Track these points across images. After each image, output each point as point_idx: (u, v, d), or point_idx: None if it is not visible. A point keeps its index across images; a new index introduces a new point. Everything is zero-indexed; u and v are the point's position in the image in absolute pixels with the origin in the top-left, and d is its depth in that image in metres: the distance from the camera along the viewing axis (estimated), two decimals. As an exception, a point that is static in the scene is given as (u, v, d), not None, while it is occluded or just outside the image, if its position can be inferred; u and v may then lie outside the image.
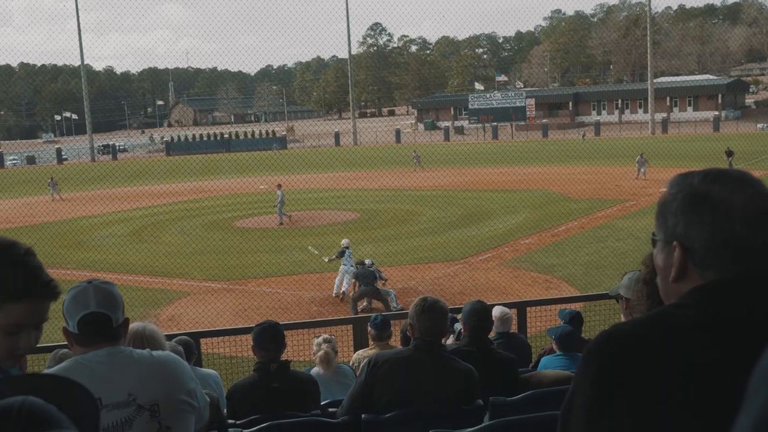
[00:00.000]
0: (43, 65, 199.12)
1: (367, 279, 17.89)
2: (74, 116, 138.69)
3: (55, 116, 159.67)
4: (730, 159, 42.82)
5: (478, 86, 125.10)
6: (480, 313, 5.42)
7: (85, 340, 2.88)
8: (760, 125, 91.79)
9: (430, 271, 21.91)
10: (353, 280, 18.58)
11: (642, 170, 41.25)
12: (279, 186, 32.74)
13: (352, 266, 19.02)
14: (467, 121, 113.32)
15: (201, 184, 48.49)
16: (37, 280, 2.18)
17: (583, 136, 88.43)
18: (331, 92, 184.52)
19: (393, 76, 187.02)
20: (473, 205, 36.04)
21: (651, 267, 1.95)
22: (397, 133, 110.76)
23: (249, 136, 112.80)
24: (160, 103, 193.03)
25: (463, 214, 32.94)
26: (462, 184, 44.57)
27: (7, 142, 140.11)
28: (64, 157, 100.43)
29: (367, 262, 18.40)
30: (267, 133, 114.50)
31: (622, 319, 4.56)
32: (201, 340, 8.63)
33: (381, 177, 49.63)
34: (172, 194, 47.47)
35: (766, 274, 1.59)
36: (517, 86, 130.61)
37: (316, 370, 6.48)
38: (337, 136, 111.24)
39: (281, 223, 31.74)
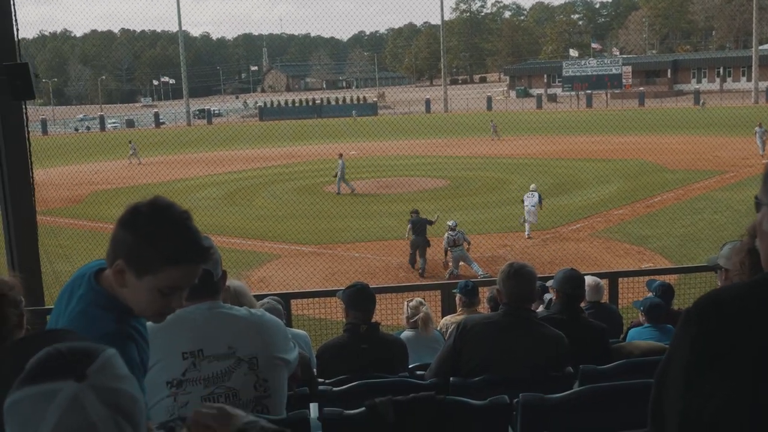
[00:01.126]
0: (143, 31, 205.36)
1: (417, 227, 18.58)
2: (171, 81, 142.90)
3: (153, 81, 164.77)
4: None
5: (573, 53, 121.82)
6: (574, 281, 5.36)
7: (188, 295, 3.01)
8: None
9: (520, 240, 21.72)
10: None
11: (763, 142, 36.74)
12: (340, 155, 32.69)
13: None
14: (560, 89, 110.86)
15: (293, 149, 49.30)
16: (196, 245, 2.18)
17: (702, 104, 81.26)
18: (422, 59, 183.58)
19: (485, 43, 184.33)
20: (565, 174, 35.38)
21: (755, 236, 1.87)
22: (489, 100, 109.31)
23: (340, 102, 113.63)
24: (254, 68, 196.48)
25: (554, 183, 32.39)
26: (554, 152, 43.75)
27: (108, 105, 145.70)
28: (161, 120, 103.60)
29: (450, 223, 18.58)
30: (358, 99, 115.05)
31: (722, 289, 4.42)
32: (291, 301, 8.84)
33: (471, 144, 49.22)
34: (265, 159, 48.44)
35: None
36: (614, 53, 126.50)
37: (406, 334, 6.55)
38: (427, 102, 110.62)
39: (339, 193, 31.42)
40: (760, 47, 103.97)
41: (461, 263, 18.40)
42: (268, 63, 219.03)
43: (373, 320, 5.33)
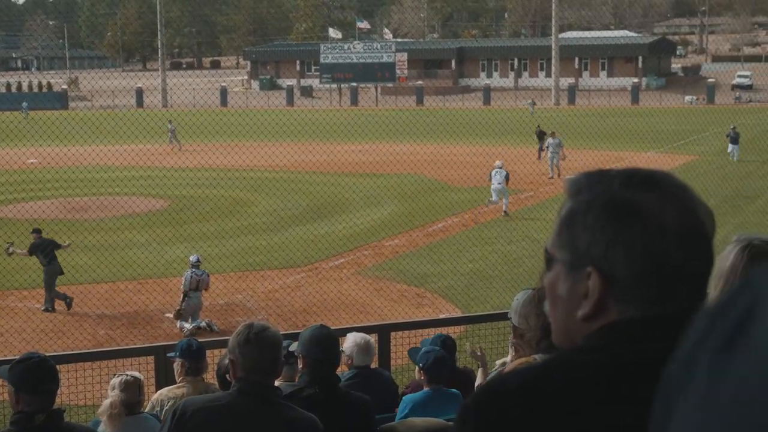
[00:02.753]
0: None
1: (47, 251, 19.70)
2: None
3: None
4: (542, 143, 42.83)
5: (334, 34, 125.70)
6: (324, 342, 5.44)
7: None
8: (688, 98, 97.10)
9: (264, 282, 21.87)
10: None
11: (554, 160, 39.31)
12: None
13: None
14: (317, 80, 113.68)
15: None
16: None
17: (533, 105, 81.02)
18: (131, 33, 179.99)
19: (219, 15, 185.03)
20: (324, 193, 36.21)
21: (544, 297, 1.95)
22: (223, 92, 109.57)
23: (14, 89, 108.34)
24: None
25: (309, 206, 33.05)
26: (309, 164, 44.68)
27: None
28: None
29: (193, 258, 18.78)
30: (40, 85, 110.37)
31: (509, 353, 4.71)
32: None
33: (200, 152, 48.98)
34: None
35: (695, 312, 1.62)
36: (385, 36, 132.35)
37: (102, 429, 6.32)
38: (139, 93, 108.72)
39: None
40: (561, 35, 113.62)
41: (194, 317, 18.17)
42: None
43: (57, 404, 5.15)
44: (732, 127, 44.79)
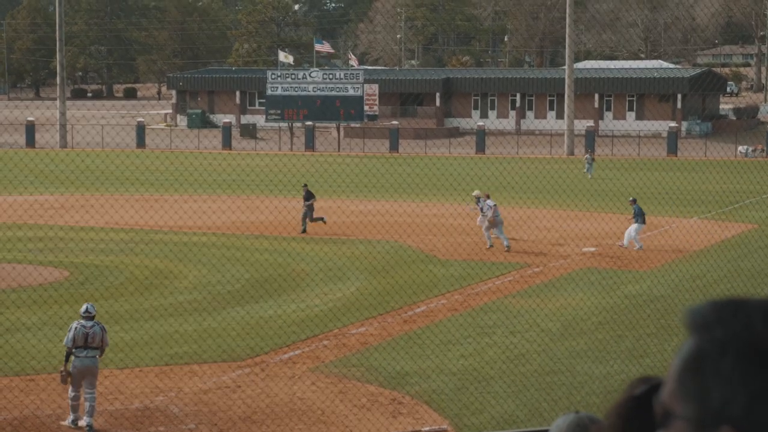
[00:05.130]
0: None
1: None
2: None
3: None
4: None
5: (284, 58, 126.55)
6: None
7: None
8: (741, 148, 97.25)
9: (194, 380, 21.67)
10: None
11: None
12: None
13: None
14: (263, 117, 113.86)
15: None
16: None
17: (590, 161, 75.25)
18: (21, 50, 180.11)
19: (135, 31, 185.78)
20: (270, 262, 36.12)
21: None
22: (141, 129, 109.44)
23: None
24: None
25: (252, 279, 32.92)
26: (252, 225, 44.55)
27: None
28: None
29: (84, 308, 19.08)
30: None
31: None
32: None
33: (112, 207, 48.81)
34: None
35: None
36: (351, 62, 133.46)
37: None
38: (30, 129, 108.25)
39: None
40: (577, 66, 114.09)
41: None
42: None
43: None
44: None
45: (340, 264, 35.76)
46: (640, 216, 39.06)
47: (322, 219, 43.71)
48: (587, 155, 76.17)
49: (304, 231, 43.14)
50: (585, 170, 71.85)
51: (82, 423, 18.39)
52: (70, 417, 18.41)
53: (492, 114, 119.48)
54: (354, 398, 20.42)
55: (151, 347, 24.12)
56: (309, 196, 43.47)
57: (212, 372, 22.37)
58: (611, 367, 22.31)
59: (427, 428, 18.25)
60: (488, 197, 40.71)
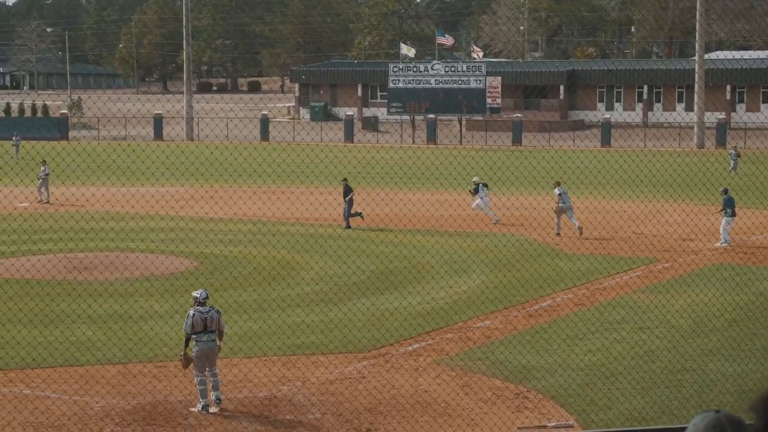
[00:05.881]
0: None
1: None
2: None
3: None
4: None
5: (407, 51, 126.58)
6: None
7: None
8: None
9: (318, 370, 21.80)
10: None
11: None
12: (44, 161, 49.24)
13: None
14: (384, 109, 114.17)
15: None
16: None
17: (737, 157, 71.11)
18: (149, 45, 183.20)
19: (260, 24, 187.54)
20: (394, 255, 36.17)
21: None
22: (264, 122, 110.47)
23: (0, 113, 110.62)
24: None
25: (376, 271, 33.01)
26: (376, 218, 44.72)
27: None
28: None
29: (198, 294, 19.51)
30: (34, 108, 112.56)
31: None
32: None
33: (239, 199, 49.37)
34: None
35: None
36: (473, 55, 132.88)
37: None
38: (158, 122, 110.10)
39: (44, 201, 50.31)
40: (708, 56, 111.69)
41: None
42: None
43: None
44: None
45: (465, 257, 35.71)
46: (729, 207, 38.25)
47: (359, 214, 43.41)
48: (732, 150, 73.12)
49: (348, 227, 43.15)
50: (730, 168, 68.72)
51: (213, 410, 18.65)
52: (201, 403, 18.70)
53: (618, 106, 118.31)
54: (478, 392, 20.34)
55: (279, 337, 24.34)
56: (347, 191, 43.38)
57: (337, 362, 22.48)
58: (745, 366, 21.85)
59: (553, 423, 18.10)
60: (558, 185, 41.26)
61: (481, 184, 44.87)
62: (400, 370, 21.98)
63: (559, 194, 40.92)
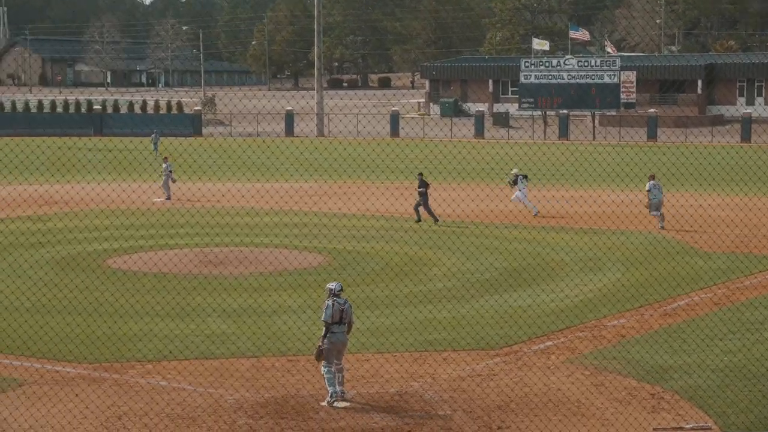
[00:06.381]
0: None
1: None
2: None
3: None
4: None
5: (539, 45, 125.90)
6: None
7: None
8: None
9: (448, 367, 21.77)
10: None
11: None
12: (165, 159, 51.49)
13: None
14: (515, 105, 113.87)
15: (49, 189, 48.25)
16: None
17: None
18: (281, 42, 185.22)
19: (391, 21, 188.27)
20: (525, 252, 36.07)
21: None
22: (395, 118, 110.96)
23: (137, 109, 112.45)
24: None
25: (507, 268, 32.93)
26: (505, 214, 44.53)
27: None
28: None
29: (333, 285, 19.50)
30: (169, 105, 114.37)
31: None
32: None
33: (367, 195, 49.64)
34: (-3, 205, 47.15)
35: None
36: (607, 49, 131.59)
37: None
38: (289, 118, 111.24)
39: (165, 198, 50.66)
40: None
41: None
42: (7, 34, 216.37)
43: None
44: None
45: (598, 255, 35.32)
46: None
47: (419, 216, 42.94)
48: None
49: (418, 220, 42.89)
50: None
51: (341, 405, 18.73)
52: (329, 392, 18.90)
53: (759, 101, 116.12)
54: (612, 391, 20.08)
55: (409, 333, 24.39)
56: (422, 185, 42.95)
57: (467, 359, 22.40)
58: None
59: (690, 425, 17.76)
60: (652, 178, 41.63)
61: (520, 177, 45.30)
62: (532, 368, 21.83)
63: (649, 189, 41.34)
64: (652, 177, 41.72)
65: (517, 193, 45.25)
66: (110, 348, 22.75)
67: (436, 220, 42.51)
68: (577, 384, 20.45)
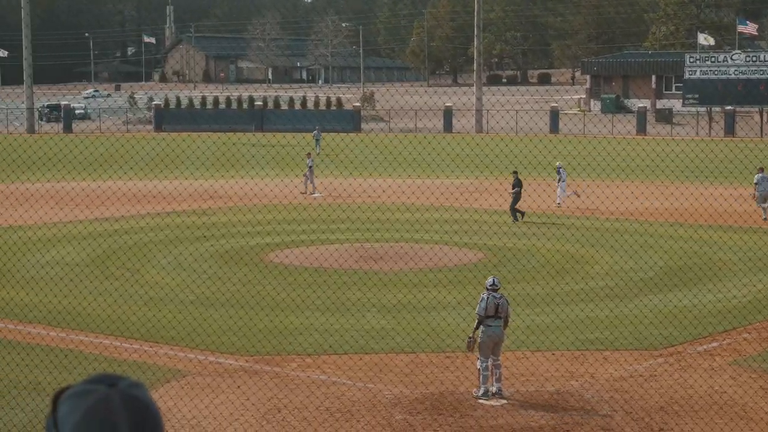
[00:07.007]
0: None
1: None
2: (3, 54, 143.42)
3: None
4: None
5: (704, 40, 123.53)
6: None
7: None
8: None
9: (608, 366, 21.55)
10: None
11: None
12: (309, 154, 53.39)
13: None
14: (679, 101, 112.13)
15: (213, 184, 49.28)
16: None
17: None
18: (440, 38, 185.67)
19: (552, 16, 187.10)
20: (688, 251, 35.52)
21: None
22: (554, 115, 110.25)
23: (298, 105, 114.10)
24: (150, 40, 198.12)
25: (669, 267, 32.50)
26: (667, 212, 43.95)
27: None
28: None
29: (490, 281, 19.71)
30: (328, 102, 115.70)
31: None
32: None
33: (531, 191, 49.44)
34: (163, 199, 48.19)
35: None
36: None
37: None
38: (447, 114, 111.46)
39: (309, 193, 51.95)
40: None
41: None
42: (174, 31, 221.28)
43: None
44: None
45: (766, 254, 34.47)
46: None
47: (522, 213, 42.65)
48: None
49: (515, 220, 42.48)
50: None
51: (492, 403, 18.71)
52: (481, 389, 18.93)
53: None
54: (782, 396, 19.68)
55: (571, 331, 24.23)
56: (516, 184, 42.52)
57: (627, 359, 22.18)
58: None
59: None
60: (761, 171, 42.58)
61: (560, 169, 47.33)
62: (694, 369, 21.47)
63: (756, 182, 42.78)
64: (761, 170, 42.75)
65: (559, 190, 47.47)
66: (270, 341, 23.11)
67: (515, 220, 42.42)
68: (744, 387, 20.07)
